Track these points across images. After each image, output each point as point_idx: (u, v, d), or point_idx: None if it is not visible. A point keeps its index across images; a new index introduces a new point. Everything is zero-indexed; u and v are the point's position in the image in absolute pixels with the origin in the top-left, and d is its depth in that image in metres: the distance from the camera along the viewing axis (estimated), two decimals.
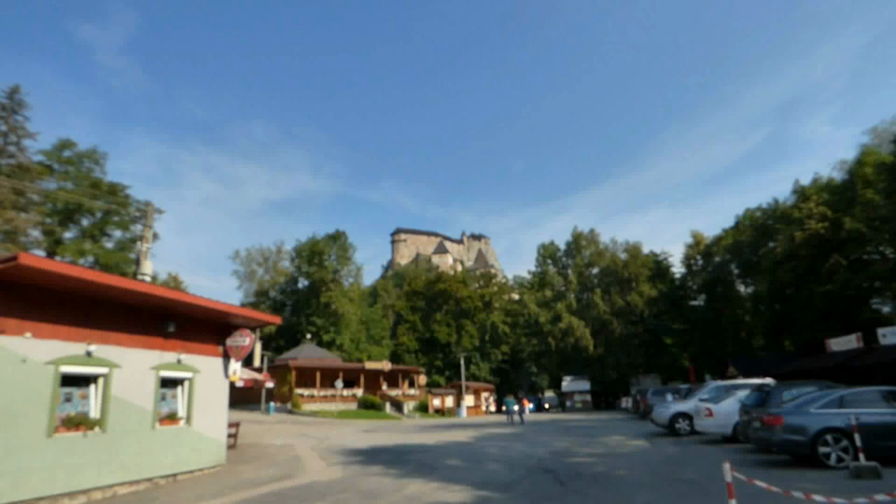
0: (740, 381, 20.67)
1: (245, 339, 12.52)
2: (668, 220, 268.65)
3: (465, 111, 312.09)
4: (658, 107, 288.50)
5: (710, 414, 15.06)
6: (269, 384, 28.14)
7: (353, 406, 40.46)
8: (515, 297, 73.97)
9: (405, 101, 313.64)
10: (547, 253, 70.52)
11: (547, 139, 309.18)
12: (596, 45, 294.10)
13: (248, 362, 41.17)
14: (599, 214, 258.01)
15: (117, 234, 40.25)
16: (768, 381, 17.76)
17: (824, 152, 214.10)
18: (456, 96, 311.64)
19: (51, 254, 34.69)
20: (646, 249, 63.75)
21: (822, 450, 9.34)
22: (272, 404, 35.18)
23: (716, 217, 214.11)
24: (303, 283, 65.77)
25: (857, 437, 8.80)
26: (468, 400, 47.55)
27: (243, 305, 50.96)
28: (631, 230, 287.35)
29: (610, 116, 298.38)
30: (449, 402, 46.31)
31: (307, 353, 45.13)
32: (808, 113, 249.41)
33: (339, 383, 38.87)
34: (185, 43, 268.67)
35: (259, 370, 34.34)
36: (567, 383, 53.45)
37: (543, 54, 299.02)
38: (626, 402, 41.20)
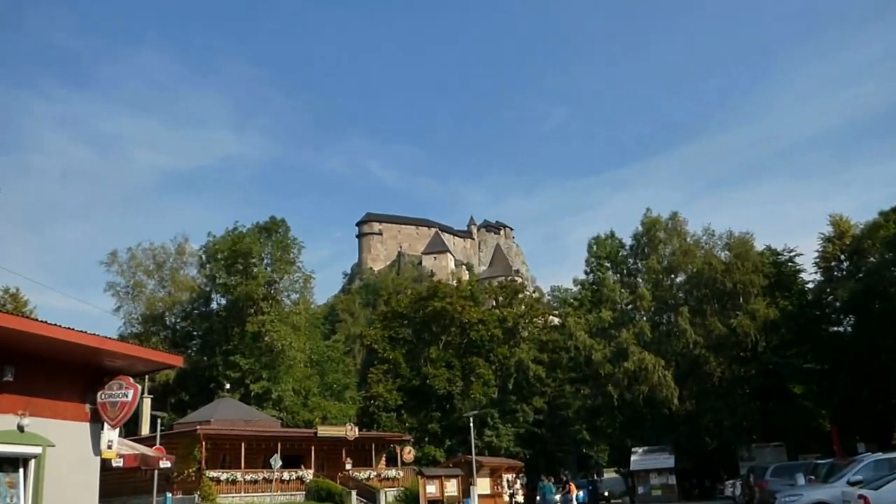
0: None
1: (126, 393, 12.47)
2: (788, 198, 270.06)
3: (477, 32, 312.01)
4: (775, 27, 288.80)
5: None
6: (166, 463, 28.09)
7: (300, 497, 40.37)
8: (555, 320, 73.99)
9: (382, 12, 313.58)
10: (603, 251, 70.44)
11: (602, 76, 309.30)
12: None
13: (131, 429, 41.12)
14: (682, 193, 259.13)
15: None
16: None
17: None
18: (461, 7, 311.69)
19: None
20: (759, 245, 63.72)
21: None
22: (169, 496, 35.13)
23: (866, 195, 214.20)
24: (219, 300, 66.06)
25: None
26: (481, 485, 47.56)
27: (123, 338, 51.00)
28: (731, 216, 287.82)
29: (702, 43, 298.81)
30: (451, 487, 46.29)
31: (225, 413, 45.12)
32: None
33: (276, 460, 38.78)
34: None
35: (149, 441, 34.32)
36: (638, 457, 53.44)
37: None
38: (733, 487, 41.51)
